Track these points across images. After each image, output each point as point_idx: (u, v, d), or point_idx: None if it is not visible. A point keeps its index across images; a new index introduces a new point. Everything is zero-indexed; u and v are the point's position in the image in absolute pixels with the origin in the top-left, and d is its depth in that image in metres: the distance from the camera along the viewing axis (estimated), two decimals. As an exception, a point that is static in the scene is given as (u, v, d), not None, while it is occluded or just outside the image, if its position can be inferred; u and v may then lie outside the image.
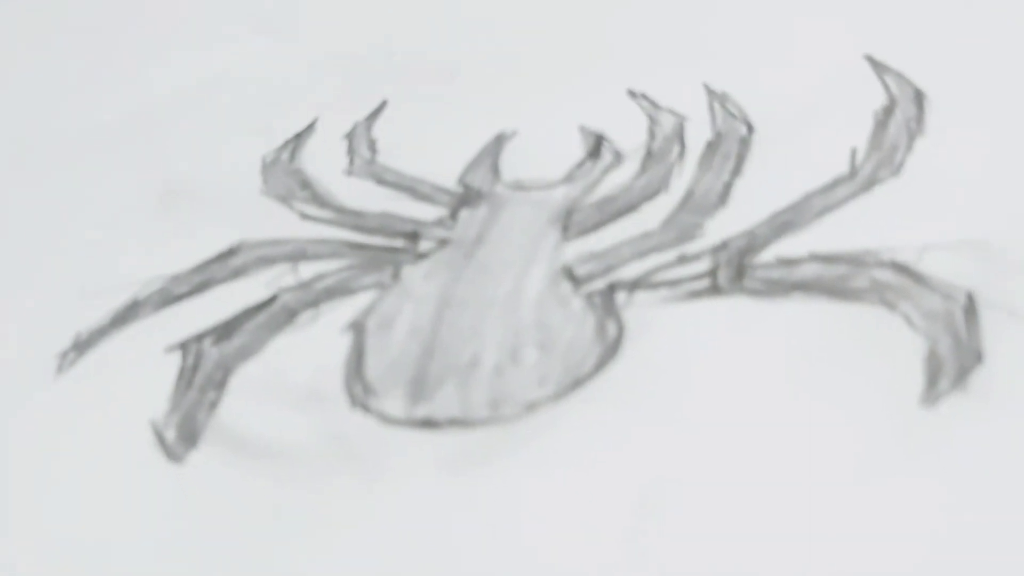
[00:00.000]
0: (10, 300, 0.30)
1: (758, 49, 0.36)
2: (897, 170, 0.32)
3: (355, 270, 0.30)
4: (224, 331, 0.29)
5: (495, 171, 0.33)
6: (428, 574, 0.24)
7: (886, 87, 0.33)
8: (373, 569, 0.24)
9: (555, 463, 0.26)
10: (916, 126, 0.32)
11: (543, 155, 0.34)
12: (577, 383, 0.27)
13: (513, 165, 0.33)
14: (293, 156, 0.34)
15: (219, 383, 0.28)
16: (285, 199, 0.33)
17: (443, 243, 0.31)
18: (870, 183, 0.31)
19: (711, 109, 0.34)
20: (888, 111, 0.33)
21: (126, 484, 0.26)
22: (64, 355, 0.29)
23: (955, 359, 0.27)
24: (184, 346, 0.29)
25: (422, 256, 0.31)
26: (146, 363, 0.28)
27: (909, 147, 0.32)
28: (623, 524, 0.24)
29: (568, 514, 0.25)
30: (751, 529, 0.24)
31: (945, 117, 0.33)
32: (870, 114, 0.33)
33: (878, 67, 0.34)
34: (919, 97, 0.33)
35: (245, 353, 0.29)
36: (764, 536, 0.24)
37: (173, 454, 0.26)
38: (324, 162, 0.34)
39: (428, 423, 0.27)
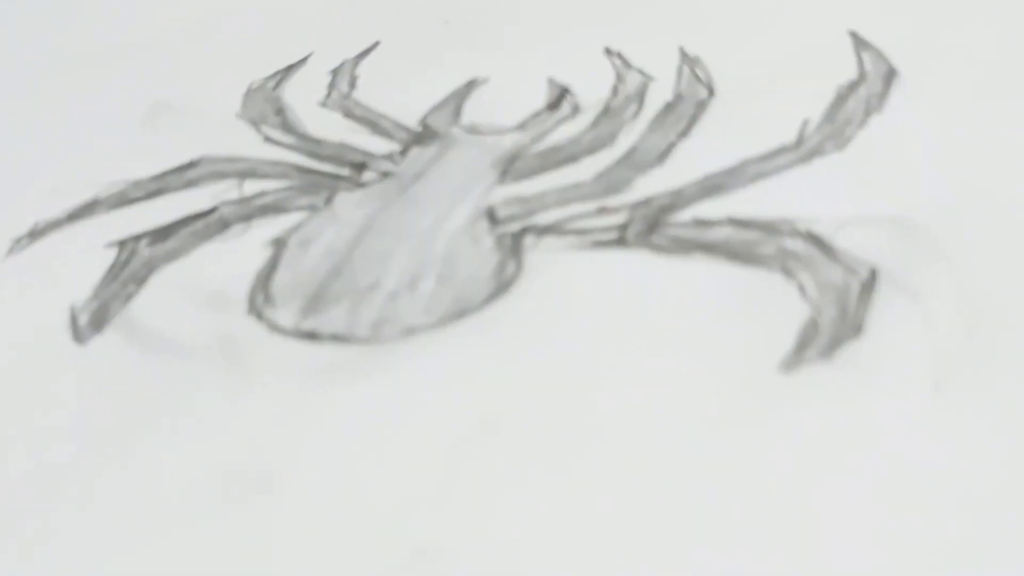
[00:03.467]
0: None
1: (744, 16, 0.35)
2: (843, 145, 0.31)
3: (293, 191, 0.32)
4: (161, 234, 0.31)
5: (456, 114, 0.34)
6: (280, 472, 0.25)
7: (860, 63, 0.33)
8: (233, 460, 0.26)
9: (414, 385, 0.27)
10: (876, 103, 0.32)
11: (511, 104, 0.34)
12: (460, 314, 0.28)
13: (479, 111, 0.34)
14: (277, 85, 0.36)
15: (140, 279, 0.30)
16: (256, 123, 0.34)
17: (385, 176, 0.32)
18: (811, 154, 0.31)
19: (678, 70, 0.34)
20: (853, 86, 0.32)
21: (34, 358, 0.28)
22: (18, 240, 0.32)
23: (831, 330, 0.26)
24: (122, 244, 0.31)
25: (361, 186, 0.32)
26: (89, 256, 0.31)
27: (863, 123, 0.31)
28: (462, 444, 0.25)
29: (411, 433, 0.26)
30: (582, 466, 0.25)
31: (909, 97, 0.32)
32: (834, 87, 0.33)
33: (859, 43, 0.33)
34: (889, 75, 0.32)
35: (173, 255, 0.30)
36: (596, 479, 0.25)
37: (79, 336, 0.28)
38: (306, 93, 0.36)
39: (311, 335, 0.28)
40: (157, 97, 0.35)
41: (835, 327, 0.27)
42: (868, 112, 0.32)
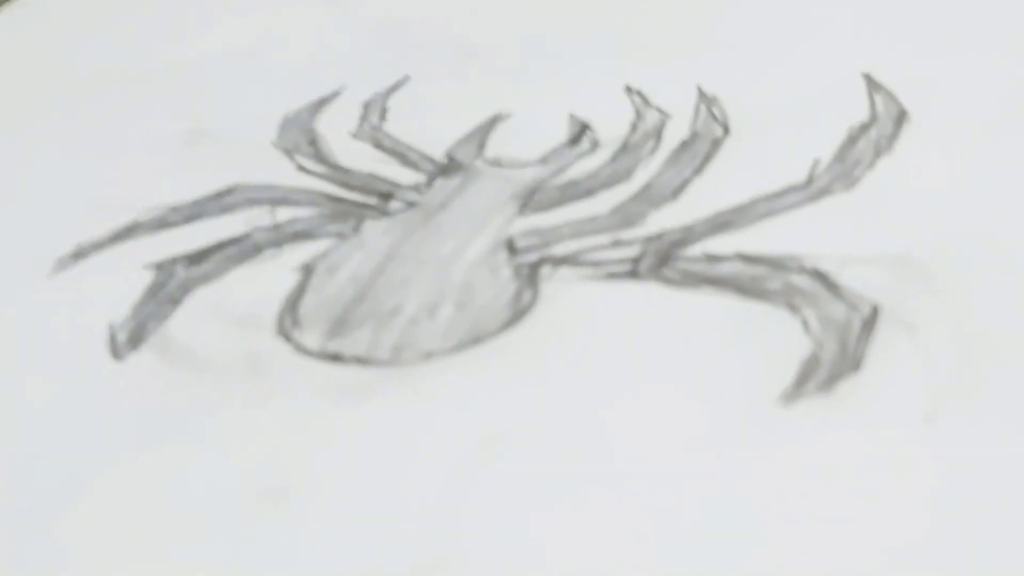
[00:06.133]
0: (32, 208, 0.35)
1: (759, 56, 0.37)
2: (852, 185, 0.32)
3: (323, 219, 0.33)
4: (197, 257, 0.32)
5: (480, 147, 0.35)
6: (299, 485, 0.27)
7: (872, 104, 0.34)
8: (256, 473, 0.27)
9: (430, 407, 0.28)
10: (886, 144, 0.33)
11: (533, 138, 0.36)
12: (476, 340, 0.29)
13: (502, 144, 0.36)
14: (312, 116, 0.37)
15: (176, 300, 0.31)
16: (290, 152, 0.36)
17: (411, 206, 0.34)
18: (820, 194, 0.32)
19: (696, 109, 0.35)
20: (864, 128, 0.33)
21: (74, 372, 0.30)
22: (61, 259, 0.33)
23: (832, 365, 0.27)
24: (160, 266, 0.32)
25: (388, 215, 0.33)
26: (129, 277, 0.32)
27: (871, 164, 0.32)
28: (473, 464, 0.26)
29: (425, 452, 0.27)
30: (589, 488, 0.26)
31: (918, 138, 0.33)
32: (845, 127, 0.34)
33: (873, 85, 0.34)
34: (901, 117, 0.33)
35: (207, 278, 0.32)
36: (603, 501, 0.26)
37: (117, 353, 0.30)
38: (339, 124, 0.37)
39: (335, 357, 0.30)
40: (196, 123, 0.37)
41: (836, 362, 0.28)
42: (877, 153, 0.33)
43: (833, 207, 0.32)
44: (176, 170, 0.36)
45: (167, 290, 0.32)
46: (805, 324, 0.29)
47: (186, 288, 0.32)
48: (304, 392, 0.29)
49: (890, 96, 0.35)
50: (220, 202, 0.34)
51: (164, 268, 0.32)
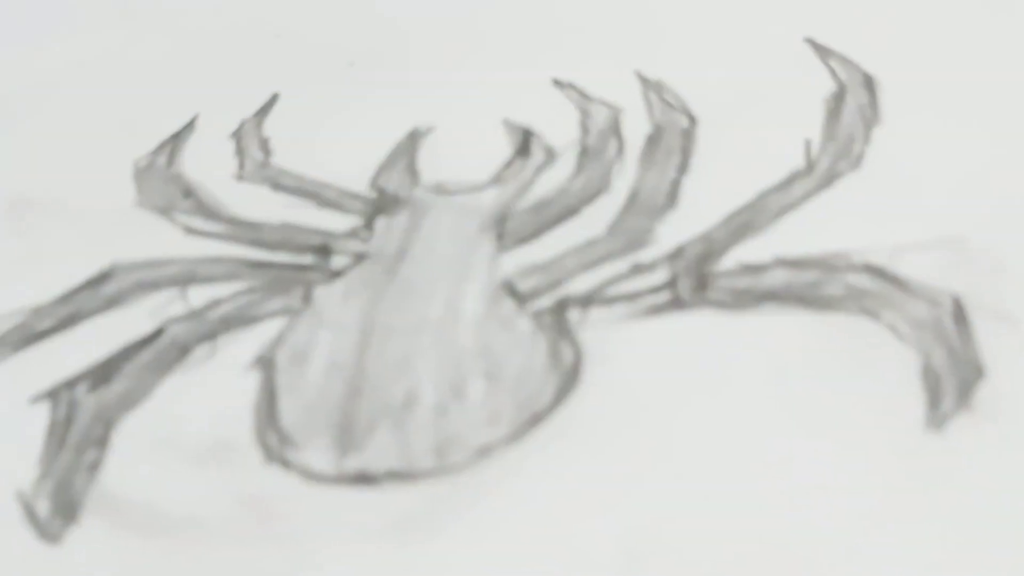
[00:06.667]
0: None
1: (691, 34, 0.32)
2: (857, 162, 0.28)
3: (257, 294, 0.26)
4: (101, 374, 0.24)
5: (412, 173, 0.29)
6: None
7: (832, 72, 0.31)
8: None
9: (518, 518, 0.22)
10: (871, 114, 0.30)
11: (462, 154, 0.30)
12: (534, 420, 0.24)
13: (430, 165, 0.30)
14: (171, 160, 0.29)
15: (99, 439, 0.23)
16: (165, 211, 0.28)
17: (359, 258, 0.27)
18: (829, 178, 0.28)
19: (647, 99, 0.30)
20: (838, 98, 0.30)
21: (-11, 574, 0.21)
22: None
23: (954, 374, 0.24)
24: (53, 394, 0.23)
25: (336, 274, 0.26)
26: (6, 418, 0.23)
27: (867, 137, 0.29)
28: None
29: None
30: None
31: (899, 104, 0.30)
32: (816, 101, 0.30)
33: (821, 51, 0.31)
34: (869, 82, 0.30)
35: (129, 400, 0.24)
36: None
37: (47, 532, 0.21)
38: (207, 166, 0.29)
39: (362, 478, 0.22)
40: (13, 184, 0.28)
41: (955, 370, 0.24)
42: (868, 124, 0.30)
43: (848, 190, 0.28)
44: (10, 257, 0.27)
45: (78, 427, 0.23)
46: (894, 329, 0.25)
47: (105, 419, 0.23)
48: (339, 534, 0.22)
49: (846, 61, 0.31)
50: (98, 293, 0.26)
51: (60, 396, 0.24)
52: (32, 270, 0.26)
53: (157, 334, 0.25)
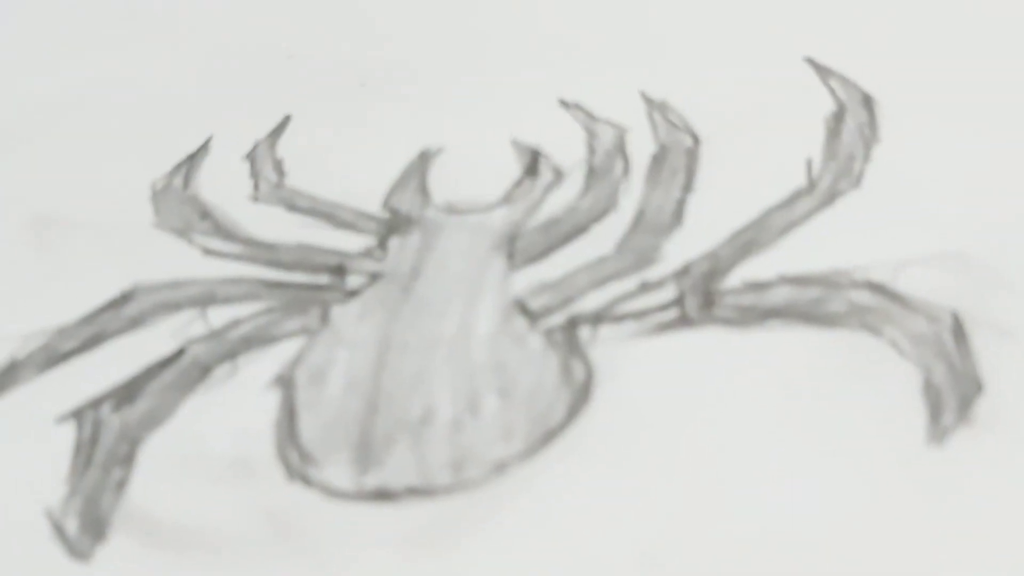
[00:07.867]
0: None
1: (695, 56, 0.33)
2: (857, 181, 0.29)
3: (276, 314, 0.26)
4: (125, 394, 0.24)
5: (424, 193, 0.29)
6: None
7: (832, 91, 0.31)
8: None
9: (534, 532, 0.22)
10: (870, 132, 0.30)
11: (472, 173, 0.30)
12: (548, 436, 0.24)
13: (441, 185, 0.30)
14: (187, 181, 0.30)
15: (125, 458, 0.23)
16: (182, 232, 0.28)
17: (374, 277, 0.27)
18: (831, 196, 0.29)
19: (651, 120, 0.31)
20: (838, 117, 0.30)
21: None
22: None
23: (954, 389, 0.25)
24: (78, 414, 0.24)
25: (352, 294, 0.27)
26: (33, 438, 0.24)
27: (867, 156, 0.30)
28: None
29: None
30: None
31: (898, 122, 0.31)
32: (817, 120, 0.30)
33: (820, 71, 0.32)
34: (868, 102, 0.31)
35: (153, 419, 0.24)
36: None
37: (77, 550, 0.22)
38: (223, 187, 0.30)
39: (382, 494, 0.23)
40: (36, 205, 0.28)
41: (955, 385, 0.25)
42: (867, 143, 0.30)
43: (849, 208, 0.29)
44: (33, 278, 0.27)
45: (103, 446, 0.24)
46: (895, 345, 0.26)
47: (130, 438, 0.24)
48: (360, 549, 0.22)
49: (845, 80, 0.32)
50: (120, 313, 0.26)
51: (85, 416, 0.24)
52: (54, 288, 0.27)
53: (179, 354, 0.25)
